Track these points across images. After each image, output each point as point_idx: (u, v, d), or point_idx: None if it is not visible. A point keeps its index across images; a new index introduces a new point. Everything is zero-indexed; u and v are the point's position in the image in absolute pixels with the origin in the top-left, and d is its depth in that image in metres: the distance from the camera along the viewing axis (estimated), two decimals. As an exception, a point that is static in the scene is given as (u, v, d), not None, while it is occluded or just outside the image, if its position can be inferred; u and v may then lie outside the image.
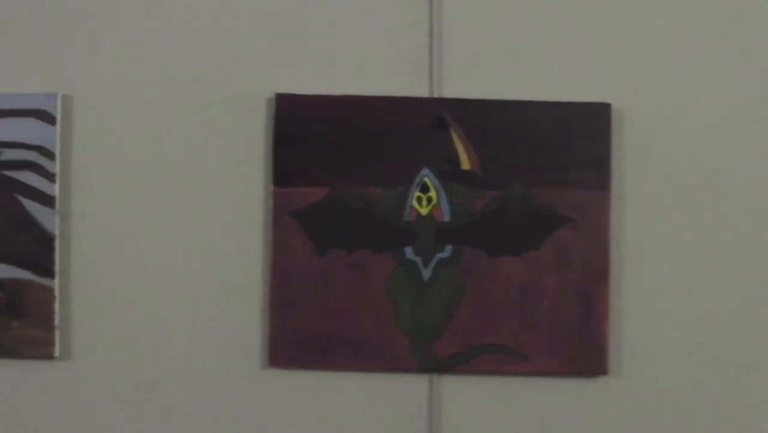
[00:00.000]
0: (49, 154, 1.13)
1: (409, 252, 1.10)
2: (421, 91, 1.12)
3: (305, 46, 1.13)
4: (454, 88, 1.12)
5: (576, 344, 1.09)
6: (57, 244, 1.12)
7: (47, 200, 1.13)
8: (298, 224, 1.10)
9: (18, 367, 1.14)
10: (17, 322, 1.13)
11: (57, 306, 1.12)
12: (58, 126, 1.13)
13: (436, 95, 1.12)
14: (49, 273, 1.12)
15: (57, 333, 1.12)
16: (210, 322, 1.11)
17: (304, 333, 1.10)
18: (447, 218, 1.10)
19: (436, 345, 1.09)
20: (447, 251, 1.10)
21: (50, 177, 1.13)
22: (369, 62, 1.13)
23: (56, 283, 1.12)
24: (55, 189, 1.13)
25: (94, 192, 1.14)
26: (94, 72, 1.14)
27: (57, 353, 1.12)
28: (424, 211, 1.10)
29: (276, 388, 1.10)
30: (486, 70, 1.13)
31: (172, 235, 1.12)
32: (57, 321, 1.12)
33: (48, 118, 1.13)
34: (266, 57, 1.13)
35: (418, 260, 1.10)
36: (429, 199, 1.10)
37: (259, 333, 1.11)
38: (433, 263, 1.10)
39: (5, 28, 1.16)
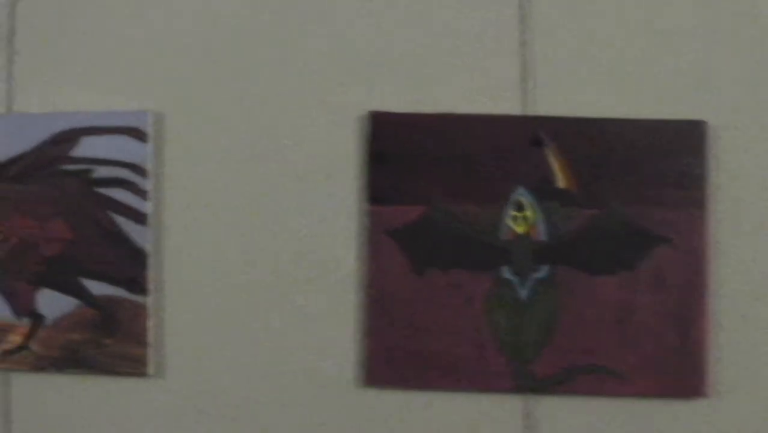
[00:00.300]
0: (142, 172, 1.13)
1: (506, 272, 1.09)
2: (513, 108, 1.11)
3: (397, 64, 1.12)
4: (547, 106, 1.11)
5: (675, 365, 1.07)
6: (150, 261, 1.12)
7: (140, 217, 1.13)
8: (394, 242, 1.10)
9: (112, 384, 1.14)
10: (111, 339, 1.13)
11: (150, 323, 1.12)
12: (150, 143, 1.13)
13: (529, 113, 1.11)
14: (143, 290, 1.12)
15: (150, 350, 1.12)
16: (304, 340, 1.11)
17: (400, 352, 1.09)
18: (543, 237, 1.09)
19: (533, 365, 1.09)
20: (544, 271, 1.09)
21: (143, 194, 1.13)
22: (461, 80, 1.12)
23: (150, 300, 1.12)
24: (148, 206, 1.13)
25: (186, 209, 1.14)
26: (186, 88, 1.14)
27: (150, 371, 1.12)
28: (520, 230, 1.09)
29: (371, 407, 1.10)
30: (579, 87, 1.12)
31: (266, 253, 1.12)
32: (150, 338, 1.12)
33: (140, 135, 1.13)
34: (357, 75, 1.12)
35: (515, 279, 1.09)
36: (525, 218, 1.09)
37: (354, 352, 1.10)
38: (530, 283, 1.09)
39: (98, 45, 1.16)
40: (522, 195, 1.09)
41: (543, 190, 1.09)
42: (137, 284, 1.13)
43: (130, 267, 1.13)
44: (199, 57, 1.14)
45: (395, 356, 1.09)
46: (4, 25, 1.19)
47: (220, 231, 1.13)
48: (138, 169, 1.13)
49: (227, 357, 1.12)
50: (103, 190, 1.14)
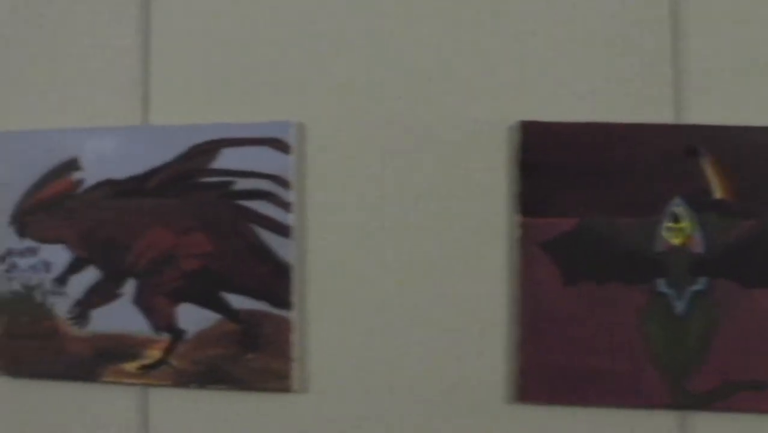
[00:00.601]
0: (285, 183, 1.11)
1: (661, 285, 1.06)
2: (667, 117, 1.08)
3: (546, 73, 1.10)
4: (702, 114, 1.08)
5: (840, 380, 1.04)
6: (294, 274, 1.10)
7: (283, 230, 1.11)
8: (546, 254, 1.07)
9: (254, 400, 1.12)
10: (253, 354, 1.12)
11: (294, 338, 1.10)
12: (293, 154, 1.11)
13: (682, 121, 1.08)
14: (286, 304, 1.11)
15: (294, 366, 1.10)
16: (453, 354, 1.09)
17: (552, 367, 1.07)
18: (701, 249, 1.06)
19: (689, 381, 1.06)
20: (701, 284, 1.06)
21: (286, 206, 1.11)
22: (612, 88, 1.09)
23: (293, 314, 1.10)
24: (291, 218, 1.11)
25: (328, 221, 1.12)
26: (328, 99, 1.12)
27: (294, 386, 1.10)
28: (676, 241, 1.06)
29: (523, 423, 1.07)
30: (734, 95, 1.08)
31: (412, 266, 1.10)
32: (295, 353, 1.10)
33: (282, 146, 1.11)
34: (506, 84, 1.10)
35: (672, 292, 1.06)
36: (681, 230, 1.06)
37: (506, 367, 1.08)
38: (687, 296, 1.06)
39: (238, 57, 1.14)
40: (678, 206, 1.06)
41: (699, 201, 1.06)
42: (280, 297, 1.11)
43: (273, 281, 1.11)
44: (342, 67, 1.12)
45: (547, 370, 1.07)
46: (138, 37, 1.18)
47: (363, 243, 1.11)
48: (280, 180, 1.11)
49: (372, 372, 1.10)
50: (244, 203, 1.12)
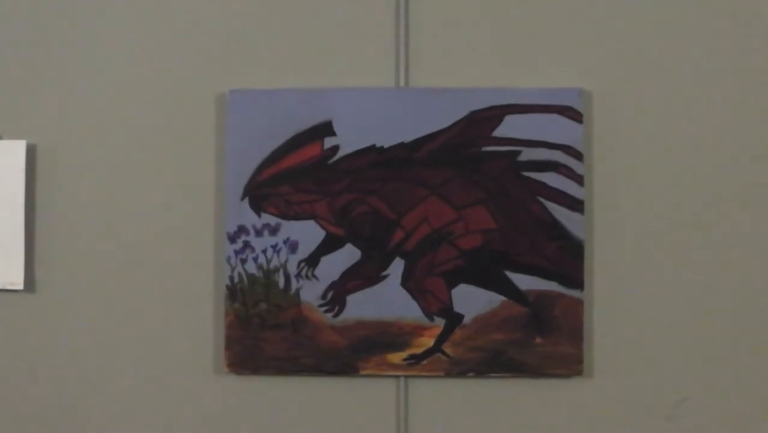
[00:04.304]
0: (576, 154, 1.03)
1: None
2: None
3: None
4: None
5: None
6: (585, 252, 1.03)
7: (575, 204, 1.03)
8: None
9: (541, 387, 1.04)
10: (542, 338, 1.03)
11: (586, 320, 1.03)
12: (583, 124, 1.04)
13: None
14: (578, 284, 1.03)
15: (586, 349, 1.03)
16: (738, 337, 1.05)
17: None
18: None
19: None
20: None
21: (578, 179, 1.03)
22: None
23: (585, 295, 1.03)
24: (583, 192, 1.03)
25: (616, 195, 1.05)
26: (615, 66, 1.05)
27: (585, 371, 1.03)
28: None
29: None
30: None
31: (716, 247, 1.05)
32: (586, 336, 1.03)
33: (574, 114, 1.03)
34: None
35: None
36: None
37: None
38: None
39: (532, 22, 1.05)
40: None
41: None
42: (572, 277, 1.03)
43: (564, 259, 1.03)
44: (636, 33, 1.05)
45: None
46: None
47: (648, 219, 1.05)
48: (571, 151, 1.03)
49: (659, 357, 1.05)
50: (532, 175, 1.03)
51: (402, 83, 1.06)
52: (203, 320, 1.06)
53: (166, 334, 1.06)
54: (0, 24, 1.09)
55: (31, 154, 1.07)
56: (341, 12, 1.06)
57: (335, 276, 1.04)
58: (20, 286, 1.07)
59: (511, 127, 1.04)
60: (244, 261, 1.04)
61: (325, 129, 1.04)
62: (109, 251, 1.07)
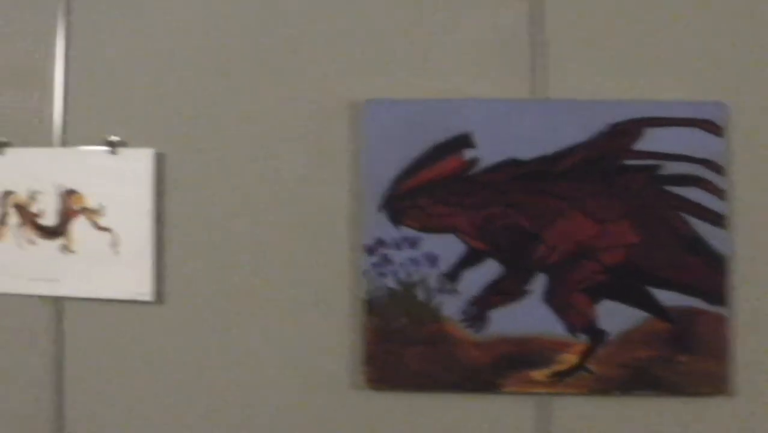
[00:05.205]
0: (717, 168, 1.02)
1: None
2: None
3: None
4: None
5: None
6: (729, 267, 1.02)
7: (717, 219, 1.02)
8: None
9: (684, 406, 1.01)
10: (686, 356, 1.01)
11: (730, 337, 1.01)
12: (724, 137, 1.03)
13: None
14: (721, 300, 1.01)
15: (730, 367, 1.01)
16: None
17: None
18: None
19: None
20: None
21: (719, 193, 1.02)
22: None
23: (729, 311, 1.01)
24: (725, 207, 1.02)
25: (762, 209, 1.04)
26: (758, 78, 1.05)
27: (730, 389, 1.01)
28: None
29: None
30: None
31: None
32: (730, 354, 1.01)
33: (714, 128, 1.03)
34: None
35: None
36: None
37: None
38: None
39: (671, 34, 1.05)
40: None
41: None
42: (715, 293, 1.01)
43: (708, 274, 1.01)
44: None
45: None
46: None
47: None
48: (712, 165, 1.02)
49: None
50: (673, 189, 1.02)
51: (540, 95, 1.05)
52: (340, 335, 1.03)
53: (300, 349, 1.04)
54: (129, 37, 1.08)
55: (158, 162, 1.06)
56: (478, 22, 1.06)
57: (477, 291, 1.02)
58: (149, 297, 1.04)
59: (650, 140, 1.03)
60: (382, 275, 1.02)
61: (465, 141, 1.03)
62: (241, 263, 1.05)
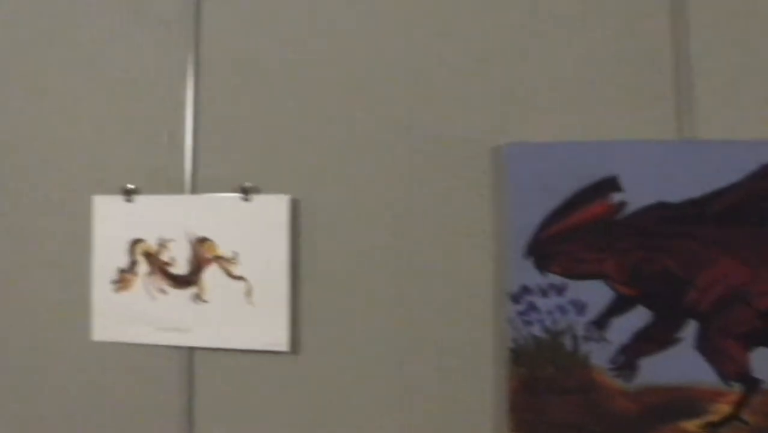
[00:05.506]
0: None
1: None
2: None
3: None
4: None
5: None
6: None
7: None
8: None
9: None
10: (844, 404, 0.98)
11: None
12: None
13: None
14: None
15: None
16: None
17: None
18: None
19: None
20: None
21: None
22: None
23: None
24: None
25: None
26: None
27: None
28: None
29: None
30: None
31: None
32: None
33: None
34: None
35: None
36: None
37: None
38: None
39: None
40: None
41: None
42: None
43: None
44: None
45: None
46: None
47: None
48: None
49: None
50: (828, 231, 0.99)
51: (688, 135, 1.02)
52: (483, 384, 1.00)
53: (443, 399, 1.01)
54: (260, 81, 1.05)
55: (294, 209, 1.03)
56: (622, 62, 1.02)
57: (626, 338, 0.99)
58: (284, 347, 1.02)
59: (804, 181, 1.00)
60: (528, 323, 0.99)
61: (611, 184, 1.00)
62: (380, 311, 1.02)
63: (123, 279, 1.05)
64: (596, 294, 0.99)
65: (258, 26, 1.06)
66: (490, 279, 1.01)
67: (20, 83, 1.15)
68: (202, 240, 1.03)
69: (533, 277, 1.00)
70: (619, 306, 0.99)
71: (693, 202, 1.00)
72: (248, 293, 1.02)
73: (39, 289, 1.12)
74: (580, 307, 0.99)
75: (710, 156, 1.00)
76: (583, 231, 1.00)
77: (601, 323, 0.99)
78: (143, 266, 1.05)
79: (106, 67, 1.11)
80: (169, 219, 1.04)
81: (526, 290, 1.00)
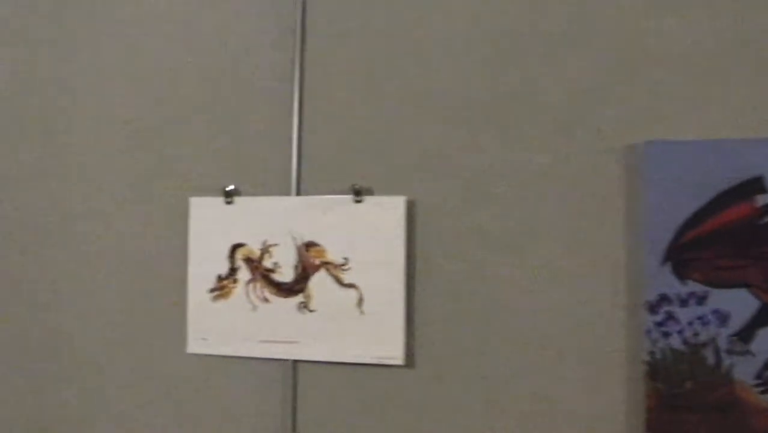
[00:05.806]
0: None
1: None
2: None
3: None
4: None
5: None
6: None
7: None
8: None
9: None
10: None
11: None
12: None
13: None
14: None
15: None
16: None
17: None
18: None
19: None
20: None
21: None
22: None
23: None
24: None
25: None
26: None
27: None
28: None
29: None
30: None
31: None
32: None
33: None
34: None
35: None
36: None
37: None
38: None
39: None
40: None
41: None
42: None
43: None
44: None
45: None
46: None
47: None
48: None
49: None
50: None
51: None
52: (617, 400, 0.93)
53: (571, 415, 0.94)
54: (373, 73, 0.97)
55: (410, 211, 0.95)
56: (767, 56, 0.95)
57: (772, 352, 0.92)
58: (399, 360, 0.94)
59: None
60: (666, 334, 0.92)
61: (757, 185, 0.92)
62: (501, 321, 0.95)
63: (222, 287, 0.97)
64: (740, 303, 0.92)
65: (369, 18, 0.98)
66: (623, 287, 0.94)
67: (117, 80, 1.07)
68: (310, 245, 0.95)
69: (672, 285, 0.92)
70: (764, 317, 0.92)
71: (838, 205, 0.93)
72: (359, 302, 0.94)
73: (131, 297, 1.04)
74: (722, 317, 0.92)
75: None
76: (725, 235, 0.92)
77: (745, 334, 0.92)
78: (244, 273, 0.97)
79: (209, 60, 1.03)
80: (273, 222, 0.96)
81: (664, 298, 0.93)
